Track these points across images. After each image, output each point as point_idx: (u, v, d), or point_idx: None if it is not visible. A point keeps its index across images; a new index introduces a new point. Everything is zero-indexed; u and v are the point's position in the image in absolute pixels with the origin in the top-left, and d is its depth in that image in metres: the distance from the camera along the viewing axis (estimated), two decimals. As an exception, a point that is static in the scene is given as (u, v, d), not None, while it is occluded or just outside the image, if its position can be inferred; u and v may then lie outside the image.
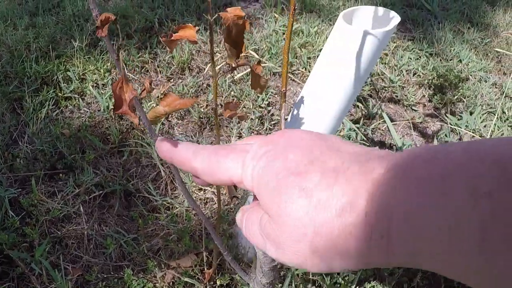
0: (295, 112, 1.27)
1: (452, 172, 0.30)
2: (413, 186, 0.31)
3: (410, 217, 0.31)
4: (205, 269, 1.59)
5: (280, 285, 1.57)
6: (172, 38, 0.77)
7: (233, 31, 0.79)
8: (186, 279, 1.58)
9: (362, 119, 2.44)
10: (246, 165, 0.41)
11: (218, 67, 0.87)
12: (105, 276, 1.68)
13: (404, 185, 0.31)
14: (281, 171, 0.38)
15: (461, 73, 2.90)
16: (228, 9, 0.78)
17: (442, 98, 2.68)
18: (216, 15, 0.78)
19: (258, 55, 2.70)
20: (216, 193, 1.82)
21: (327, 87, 1.21)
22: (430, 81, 2.78)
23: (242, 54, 0.90)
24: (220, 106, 2.37)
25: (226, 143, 2.20)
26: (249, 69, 0.97)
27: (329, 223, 0.34)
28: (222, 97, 2.41)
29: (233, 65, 0.87)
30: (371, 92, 2.64)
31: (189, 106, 0.82)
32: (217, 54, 2.50)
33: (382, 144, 2.36)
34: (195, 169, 0.47)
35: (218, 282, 1.58)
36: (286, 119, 1.05)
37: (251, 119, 2.31)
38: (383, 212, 0.32)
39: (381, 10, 1.15)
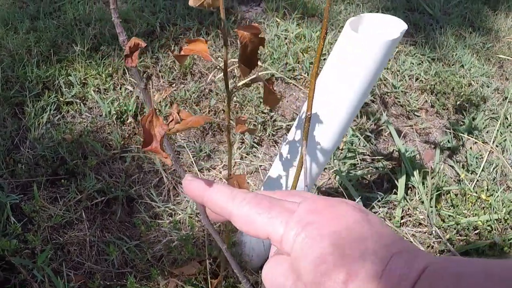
0: (302, 119, 1.27)
1: None
2: None
3: None
4: (208, 277, 1.58)
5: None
6: (182, 53, 0.75)
7: (248, 48, 0.78)
8: (190, 288, 1.57)
9: (365, 125, 2.43)
10: (290, 227, 0.40)
11: (231, 82, 0.85)
12: (107, 283, 1.67)
13: None
14: (325, 255, 0.37)
15: (463, 78, 2.89)
16: (244, 26, 0.76)
17: (444, 103, 2.67)
18: (231, 31, 0.77)
19: (260, 60, 2.69)
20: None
21: (333, 94, 1.21)
22: (433, 86, 2.78)
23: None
24: (222, 111, 2.36)
25: (227, 150, 2.19)
26: (252, 76, 0.95)
27: None
28: (224, 102, 2.40)
29: (246, 81, 0.85)
30: (374, 97, 2.64)
31: (203, 124, 0.81)
32: (219, 59, 2.49)
33: (384, 149, 2.36)
34: (232, 215, 0.45)
35: (221, 291, 1.57)
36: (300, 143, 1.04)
37: (254, 124, 2.30)
38: None
39: (387, 17, 1.15)
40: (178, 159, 2.12)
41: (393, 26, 1.13)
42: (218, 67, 1.82)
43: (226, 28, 0.78)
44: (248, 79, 0.88)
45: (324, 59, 2.42)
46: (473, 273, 0.33)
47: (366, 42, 1.08)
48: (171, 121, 0.57)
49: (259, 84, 2.52)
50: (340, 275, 0.36)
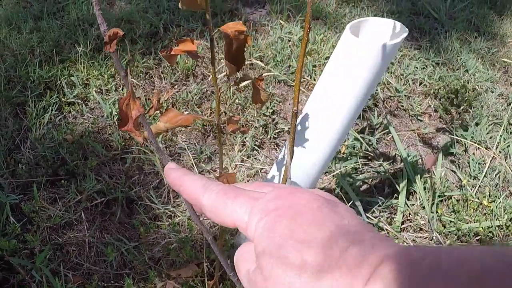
0: (302, 121, 1.26)
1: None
2: None
3: None
4: (206, 279, 1.58)
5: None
6: (172, 53, 0.76)
7: (233, 46, 0.78)
8: (187, 290, 1.56)
9: (367, 129, 2.43)
10: (253, 213, 0.41)
11: (221, 75, 0.85)
12: (105, 284, 1.67)
13: None
14: (284, 237, 0.38)
15: (468, 83, 2.88)
16: (230, 23, 0.76)
17: (448, 109, 2.67)
18: (216, 30, 0.76)
19: (263, 62, 2.68)
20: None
21: (333, 98, 1.20)
22: (437, 91, 2.77)
23: (247, 62, 0.89)
24: (224, 113, 2.36)
25: (230, 152, 2.19)
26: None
27: None
28: (227, 104, 2.39)
29: (235, 80, 0.85)
30: (376, 101, 2.63)
31: (191, 123, 0.81)
32: (222, 61, 2.48)
33: (386, 154, 2.35)
34: (201, 205, 0.46)
35: (219, 294, 1.57)
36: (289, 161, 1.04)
37: (255, 127, 2.30)
38: None
39: (389, 22, 1.14)
40: (179, 160, 2.12)
41: (395, 31, 1.13)
42: (219, 69, 1.83)
43: (212, 27, 0.78)
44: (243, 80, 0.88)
45: (327, 57, 2.42)
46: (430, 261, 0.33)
47: (365, 47, 1.08)
48: (151, 108, 0.59)
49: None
50: (296, 261, 0.36)
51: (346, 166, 2.20)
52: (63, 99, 2.35)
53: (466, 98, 2.74)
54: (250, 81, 0.96)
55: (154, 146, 0.60)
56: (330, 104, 1.21)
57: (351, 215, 0.41)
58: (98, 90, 2.42)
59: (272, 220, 0.39)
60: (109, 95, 2.40)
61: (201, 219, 0.78)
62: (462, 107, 2.70)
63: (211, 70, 0.83)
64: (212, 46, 0.80)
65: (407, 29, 1.11)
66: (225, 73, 0.90)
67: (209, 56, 2.68)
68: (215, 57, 0.85)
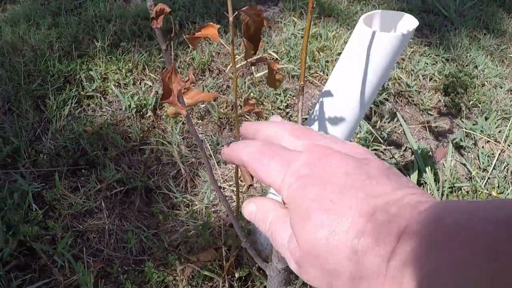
0: (315, 113, 1.31)
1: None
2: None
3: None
4: (224, 263, 1.63)
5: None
6: (195, 35, 0.82)
7: (251, 27, 0.83)
8: (206, 273, 1.61)
9: (378, 122, 2.47)
10: (286, 179, 0.43)
11: (238, 65, 0.90)
12: (126, 269, 1.72)
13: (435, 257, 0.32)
14: (314, 202, 0.40)
15: (477, 79, 2.92)
16: (247, 7, 0.81)
17: (457, 103, 2.71)
18: (236, 12, 0.82)
19: (278, 57, 2.73)
20: (235, 191, 1.86)
21: (345, 89, 1.25)
22: (446, 86, 2.81)
23: (264, 55, 0.95)
24: (240, 107, 2.41)
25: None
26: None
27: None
28: (242, 98, 2.44)
29: (251, 60, 0.90)
30: (387, 96, 2.67)
31: (211, 99, 0.86)
32: (237, 55, 2.53)
33: (397, 146, 2.39)
34: (242, 162, 0.48)
35: (236, 275, 1.61)
36: (304, 119, 1.08)
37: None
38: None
39: (400, 14, 1.19)
40: (199, 150, 2.16)
41: (405, 23, 1.18)
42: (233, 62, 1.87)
43: (234, 14, 0.83)
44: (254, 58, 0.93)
45: (339, 53, 2.46)
46: (455, 221, 0.33)
47: (378, 37, 1.12)
48: (187, 80, 0.63)
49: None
50: (322, 231, 0.38)
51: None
52: (82, 92, 2.40)
53: (475, 93, 2.78)
54: (265, 72, 1.01)
55: (191, 130, 0.63)
56: (343, 95, 1.26)
57: (379, 173, 0.40)
58: (116, 84, 2.47)
59: (302, 186, 0.41)
60: (127, 88, 2.46)
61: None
62: (471, 102, 2.74)
63: (230, 50, 0.87)
64: (232, 28, 0.86)
65: (417, 21, 1.15)
66: (243, 62, 0.95)
67: (225, 53, 2.73)
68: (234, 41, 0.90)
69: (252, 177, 1.01)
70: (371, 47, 1.15)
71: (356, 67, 1.20)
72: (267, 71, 1.01)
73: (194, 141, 2.22)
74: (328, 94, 1.28)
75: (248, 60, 0.92)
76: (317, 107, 1.30)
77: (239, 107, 1.06)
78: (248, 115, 2.40)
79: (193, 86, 2.37)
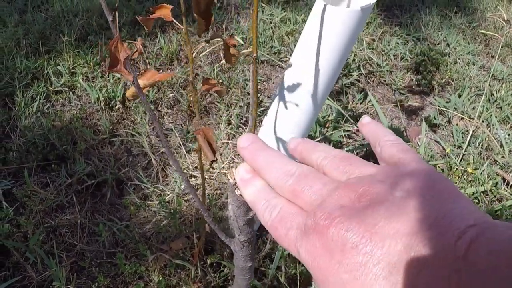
0: (278, 93, 1.30)
1: None
2: None
3: None
4: (196, 250, 1.62)
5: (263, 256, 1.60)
6: (149, 17, 0.81)
7: (201, 3, 0.82)
8: (177, 261, 1.60)
9: (350, 103, 2.46)
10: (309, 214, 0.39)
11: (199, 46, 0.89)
12: (98, 262, 1.70)
13: None
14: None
15: (449, 56, 2.92)
16: None
17: (430, 81, 2.71)
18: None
19: (245, 44, 2.72)
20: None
21: (306, 67, 1.24)
22: (418, 65, 2.81)
23: (230, 39, 0.94)
24: (209, 94, 2.39)
25: (216, 130, 2.22)
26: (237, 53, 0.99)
27: None
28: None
29: (206, 39, 0.89)
30: (359, 76, 2.67)
31: (167, 79, 0.86)
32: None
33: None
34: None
35: (208, 261, 1.61)
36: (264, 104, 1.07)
37: (240, 106, 2.33)
38: None
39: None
40: (167, 141, 2.15)
41: (365, 1, 1.17)
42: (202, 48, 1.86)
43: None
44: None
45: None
46: None
47: (335, 12, 1.11)
48: (135, 51, 0.63)
49: (245, 67, 2.55)
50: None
51: (332, 140, 2.24)
52: (50, 88, 2.38)
53: (447, 71, 2.78)
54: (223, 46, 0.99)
55: (152, 121, 0.63)
56: (305, 73, 1.24)
57: (421, 197, 0.35)
58: (85, 78, 2.45)
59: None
60: (95, 81, 2.43)
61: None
62: (444, 80, 2.74)
63: (183, 29, 0.87)
64: (183, 5, 0.85)
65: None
66: (204, 45, 0.94)
67: (193, 41, 2.71)
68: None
69: (214, 152, 1.00)
70: (327, 24, 1.14)
71: (315, 45, 1.19)
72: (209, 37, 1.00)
73: (164, 131, 2.20)
74: (290, 73, 1.27)
75: (204, 40, 0.92)
76: (283, 81, 1.29)
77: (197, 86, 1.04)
78: (210, 94, 2.39)
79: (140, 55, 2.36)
